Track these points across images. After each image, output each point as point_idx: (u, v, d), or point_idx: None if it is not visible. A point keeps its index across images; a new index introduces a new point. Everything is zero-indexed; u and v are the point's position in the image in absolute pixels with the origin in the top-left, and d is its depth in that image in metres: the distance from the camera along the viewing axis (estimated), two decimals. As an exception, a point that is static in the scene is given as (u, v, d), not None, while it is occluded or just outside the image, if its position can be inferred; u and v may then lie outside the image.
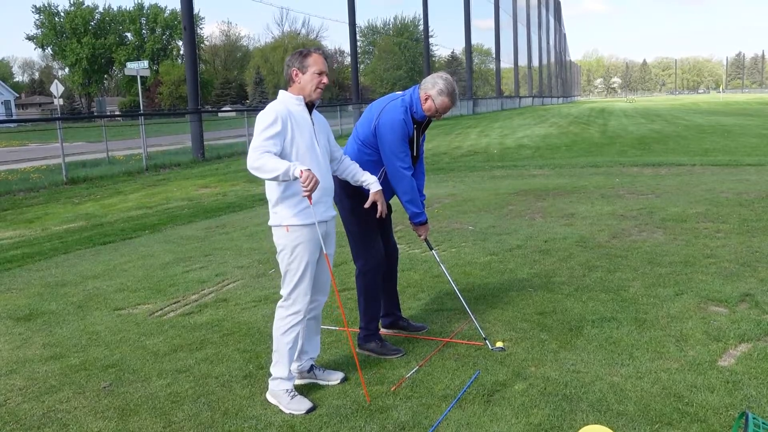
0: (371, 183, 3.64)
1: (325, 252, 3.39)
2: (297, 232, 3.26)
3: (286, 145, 3.21)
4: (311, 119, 3.36)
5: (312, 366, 3.61)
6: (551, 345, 3.93)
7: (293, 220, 3.25)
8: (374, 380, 3.57)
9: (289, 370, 3.37)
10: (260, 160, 3.06)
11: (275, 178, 3.07)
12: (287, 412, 3.26)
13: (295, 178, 3.05)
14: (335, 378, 3.58)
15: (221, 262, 6.47)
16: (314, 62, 3.31)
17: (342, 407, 3.28)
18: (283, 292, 3.35)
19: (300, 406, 3.27)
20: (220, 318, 4.74)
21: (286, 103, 3.29)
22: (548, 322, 4.30)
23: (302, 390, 3.49)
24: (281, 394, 3.32)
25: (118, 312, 5.02)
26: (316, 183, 3.06)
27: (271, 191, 3.29)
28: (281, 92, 3.37)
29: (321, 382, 3.57)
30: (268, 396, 3.39)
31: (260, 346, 4.14)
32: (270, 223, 3.34)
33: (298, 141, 3.24)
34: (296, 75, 3.30)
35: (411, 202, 3.92)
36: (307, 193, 3.07)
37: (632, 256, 5.86)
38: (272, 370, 3.38)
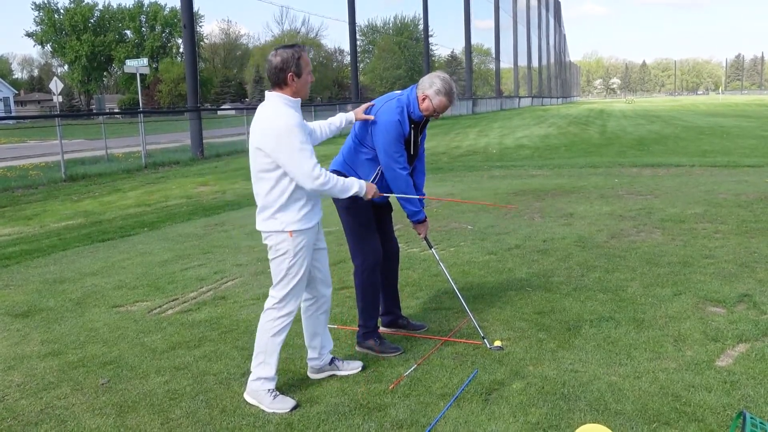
0: (343, 117, 3.81)
1: (321, 246, 3.51)
2: (300, 237, 3.27)
3: None
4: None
5: (333, 358, 3.65)
6: (549, 344, 3.94)
7: (297, 225, 3.25)
8: (372, 378, 3.58)
9: (275, 371, 3.37)
10: (330, 183, 3.23)
11: (347, 195, 3.37)
12: (270, 411, 3.26)
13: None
14: (355, 367, 3.65)
15: (220, 260, 6.47)
16: (307, 63, 3.26)
17: (340, 405, 3.29)
18: (277, 294, 3.33)
19: (284, 405, 3.28)
20: (218, 315, 4.74)
21: (294, 109, 3.23)
22: (546, 322, 4.30)
23: (298, 387, 3.50)
24: (263, 394, 3.31)
25: (116, 309, 5.02)
26: (375, 193, 3.52)
27: (273, 198, 3.23)
28: (280, 96, 3.24)
29: (341, 373, 3.62)
30: (247, 396, 3.39)
31: (258, 343, 4.13)
32: (266, 228, 3.28)
33: None
34: (292, 79, 3.21)
35: (408, 201, 3.92)
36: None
37: (631, 256, 5.87)
38: (256, 370, 3.36)
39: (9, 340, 4.43)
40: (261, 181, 3.25)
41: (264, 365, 3.35)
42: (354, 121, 3.83)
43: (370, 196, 3.48)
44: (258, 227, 3.34)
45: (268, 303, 3.38)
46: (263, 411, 3.26)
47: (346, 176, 3.86)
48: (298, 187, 3.22)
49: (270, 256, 3.35)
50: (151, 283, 5.72)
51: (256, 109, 3.35)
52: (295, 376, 3.65)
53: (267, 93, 3.29)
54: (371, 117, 3.78)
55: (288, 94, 3.24)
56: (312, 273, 3.47)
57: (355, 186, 3.36)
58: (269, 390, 3.33)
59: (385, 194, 3.81)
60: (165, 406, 3.36)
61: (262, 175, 3.23)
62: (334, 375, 3.62)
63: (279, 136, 3.12)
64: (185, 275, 5.92)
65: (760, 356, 3.65)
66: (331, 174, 3.27)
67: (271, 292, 3.37)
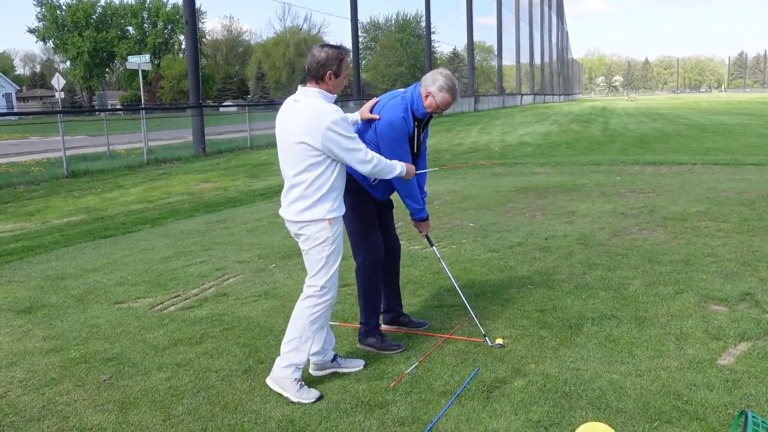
0: (350, 118, 3.91)
1: None
2: (337, 224, 3.39)
3: None
4: None
5: (335, 356, 3.66)
6: (551, 342, 3.94)
7: (334, 213, 3.37)
8: (374, 376, 3.58)
9: (307, 357, 3.43)
10: (381, 164, 3.43)
11: (392, 176, 3.55)
12: (295, 401, 3.29)
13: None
14: (357, 365, 3.67)
15: (222, 256, 6.48)
16: (346, 67, 3.40)
17: (341, 402, 3.29)
18: (317, 283, 3.40)
19: (309, 395, 3.32)
20: (220, 312, 4.75)
21: (333, 102, 3.37)
22: (548, 320, 4.30)
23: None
24: (290, 383, 3.34)
25: (118, 305, 5.03)
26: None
27: (315, 188, 3.31)
28: (318, 91, 3.32)
29: (343, 371, 3.63)
30: (269, 382, 3.41)
31: (260, 340, 4.14)
32: (305, 218, 3.33)
33: None
34: (330, 77, 3.32)
35: (411, 198, 3.93)
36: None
37: (632, 254, 5.86)
38: (288, 356, 3.38)
39: (11, 336, 4.44)
40: (305, 173, 3.30)
41: (297, 351, 3.38)
42: (359, 121, 3.86)
43: (411, 176, 3.72)
44: (293, 218, 3.37)
45: (307, 292, 3.43)
46: (265, 407, 3.27)
47: (349, 175, 3.87)
48: (337, 176, 3.37)
49: (306, 247, 3.39)
50: (153, 279, 5.73)
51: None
52: (324, 375, 3.65)
53: (303, 88, 3.37)
54: (377, 116, 3.78)
55: (326, 91, 3.35)
56: None
57: (398, 167, 3.54)
58: (296, 380, 3.36)
59: (420, 171, 4.01)
60: (167, 403, 3.36)
61: (309, 167, 3.29)
62: (335, 372, 3.63)
63: (332, 130, 3.22)
64: (187, 272, 5.93)
65: (762, 355, 3.64)
66: (376, 154, 3.43)
67: (309, 281, 3.42)
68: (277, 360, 3.43)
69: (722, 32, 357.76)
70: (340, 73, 3.35)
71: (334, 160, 3.33)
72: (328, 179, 3.32)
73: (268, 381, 3.44)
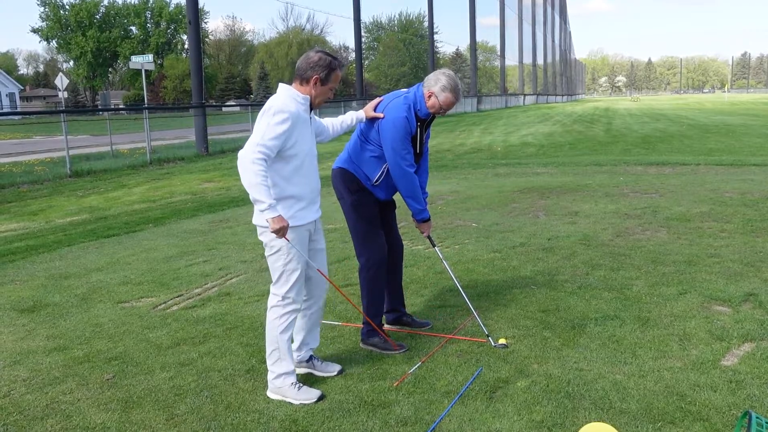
0: (354, 115, 3.89)
1: (320, 247, 3.52)
2: (293, 233, 3.27)
3: (288, 147, 3.21)
4: (310, 119, 3.40)
5: (311, 356, 3.64)
6: (554, 342, 3.93)
7: (290, 222, 3.23)
8: (377, 375, 3.58)
9: (293, 363, 3.40)
10: (256, 173, 3.04)
11: (252, 199, 3.11)
12: (297, 403, 3.28)
13: (265, 221, 3.14)
14: (332, 370, 3.62)
15: (224, 256, 6.48)
16: (335, 79, 3.35)
17: (344, 402, 3.29)
18: (278, 291, 3.34)
19: (309, 395, 3.31)
20: (223, 312, 4.75)
21: (296, 103, 3.27)
22: (551, 320, 4.30)
23: (302, 384, 3.50)
24: (287, 388, 3.33)
25: (121, 305, 5.04)
26: (283, 234, 3.17)
27: None
28: (289, 88, 3.30)
29: (317, 373, 3.61)
30: (270, 394, 3.40)
31: (263, 340, 4.12)
32: (260, 223, 3.28)
33: (300, 144, 3.27)
34: (316, 82, 3.27)
35: (413, 198, 3.93)
36: (271, 234, 3.19)
37: (636, 254, 5.86)
38: (274, 368, 3.37)
39: (15, 335, 4.45)
40: None
41: (280, 361, 3.36)
42: (364, 119, 3.87)
43: (272, 228, 3.11)
44: (253, 221, 3.35)
45: (271, 301, 3.39)
46: (268, 407, 3.27)
47: (352, 174, 3.87)
48: (293, 184, 3.26)
49: (265, 254, 3.36)
50: (156, 279, 5.73)
51: (260, 105, 3.38)
52: (300, 373, 3.65)
53: (281, 84, 3.34)
54: (381, 115, 3.79)
55: (302, 92, 3.30)
56: (308, 273, 3.47)
57: (263, 205, 3.08)
58: (293, 383, 3.35)
59: (287, 239, 3.23)
60: (170, 402, 3.37)
61: None
62: (312, 376, 3.60)
63: (264, 113, 3.18)
64: (190, 271, 5.94)
65: (765, 356, 3.64)
66: (266, 174, 3.09)
67: (272, 289, 3.39)
68: (268, 374, 3.41)
69: (726, 33, 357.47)
70: (327, 82, 3.29)
71: (284, 163, 3.21)
72: (278, 182, 3.19)
73: (269, 393, 3.41)
